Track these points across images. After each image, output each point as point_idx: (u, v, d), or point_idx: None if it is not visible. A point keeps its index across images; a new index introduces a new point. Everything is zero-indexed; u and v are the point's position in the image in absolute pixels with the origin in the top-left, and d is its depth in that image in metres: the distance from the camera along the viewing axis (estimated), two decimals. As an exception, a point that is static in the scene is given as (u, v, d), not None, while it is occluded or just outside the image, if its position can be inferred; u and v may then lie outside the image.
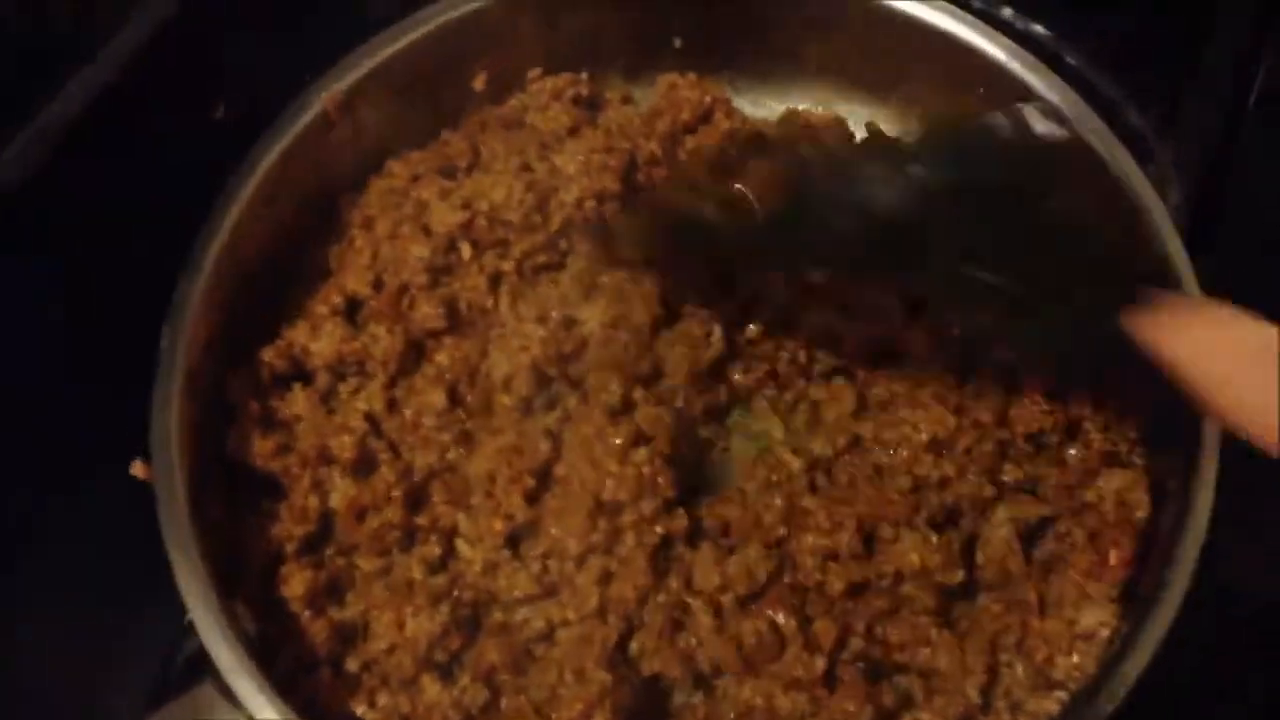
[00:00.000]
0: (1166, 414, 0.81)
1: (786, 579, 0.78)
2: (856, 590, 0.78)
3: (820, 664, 0.76)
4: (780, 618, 0.76)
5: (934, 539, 0.78)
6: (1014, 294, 0.72)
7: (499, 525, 0.78)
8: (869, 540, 0.79)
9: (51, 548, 0.84)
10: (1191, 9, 1.00)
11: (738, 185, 0.75)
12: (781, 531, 0.79)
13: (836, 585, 0.77)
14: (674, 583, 0.78)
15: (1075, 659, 0.77)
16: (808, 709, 0.75)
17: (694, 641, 0.77)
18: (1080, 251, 0.73)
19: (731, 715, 0.76)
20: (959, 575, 0.78)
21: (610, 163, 0.87)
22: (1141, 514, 0.81)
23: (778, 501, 0.80)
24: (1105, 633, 0.78)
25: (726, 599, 0.77)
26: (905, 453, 0.81)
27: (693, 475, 0.82)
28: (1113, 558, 0.80)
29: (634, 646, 0.77)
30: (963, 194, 0.73)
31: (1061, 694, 0.77)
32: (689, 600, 0.77)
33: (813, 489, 0.81)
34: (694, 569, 0.78)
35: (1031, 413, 0.83)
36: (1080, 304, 0.72)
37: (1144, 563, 0.79)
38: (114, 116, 0.87)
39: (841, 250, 0.74)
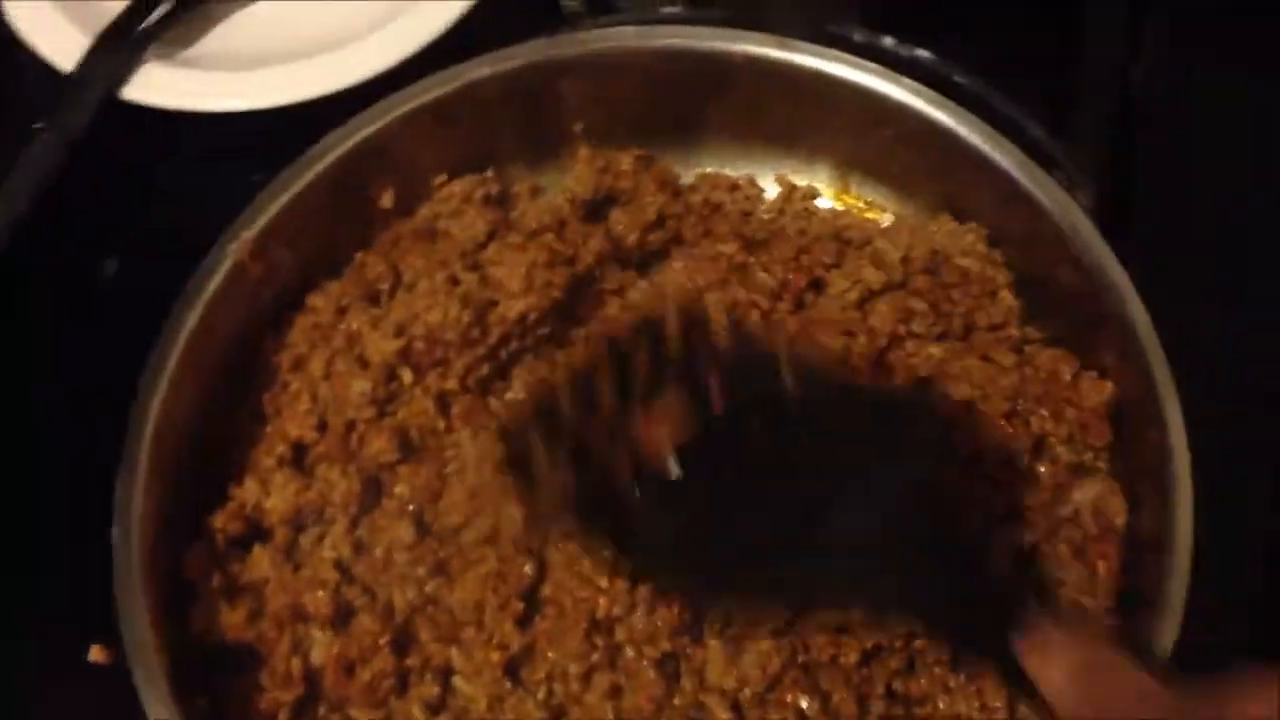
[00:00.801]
0: (1126, 419, 0.83)
1: (800, 659, 0.77)
2: (871, 657, 0.77)
3: None
4: (802, 702, 0.75)
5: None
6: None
7: (495, 656, 0.76)
8: None
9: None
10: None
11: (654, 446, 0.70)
12: (788, 614, 0.77)
13: (851, 657, 0.76)
14: (687, 684, 0.76)
15: None
16: None
17: None
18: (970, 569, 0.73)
19: None
20: None
21: (554, 279, 0.85)
22: (1120, 520, 0.81)
23: None
24: None
25: (744, 695, 0.76)
26: None
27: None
28: (1101, 569, 0.80)
29: None
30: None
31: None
32: (705, 699, 0.76)
33: None
34: (705, 668, 0.76)
35: (999, 436, 0.83)
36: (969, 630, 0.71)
37: (1133, 571, 0.80)
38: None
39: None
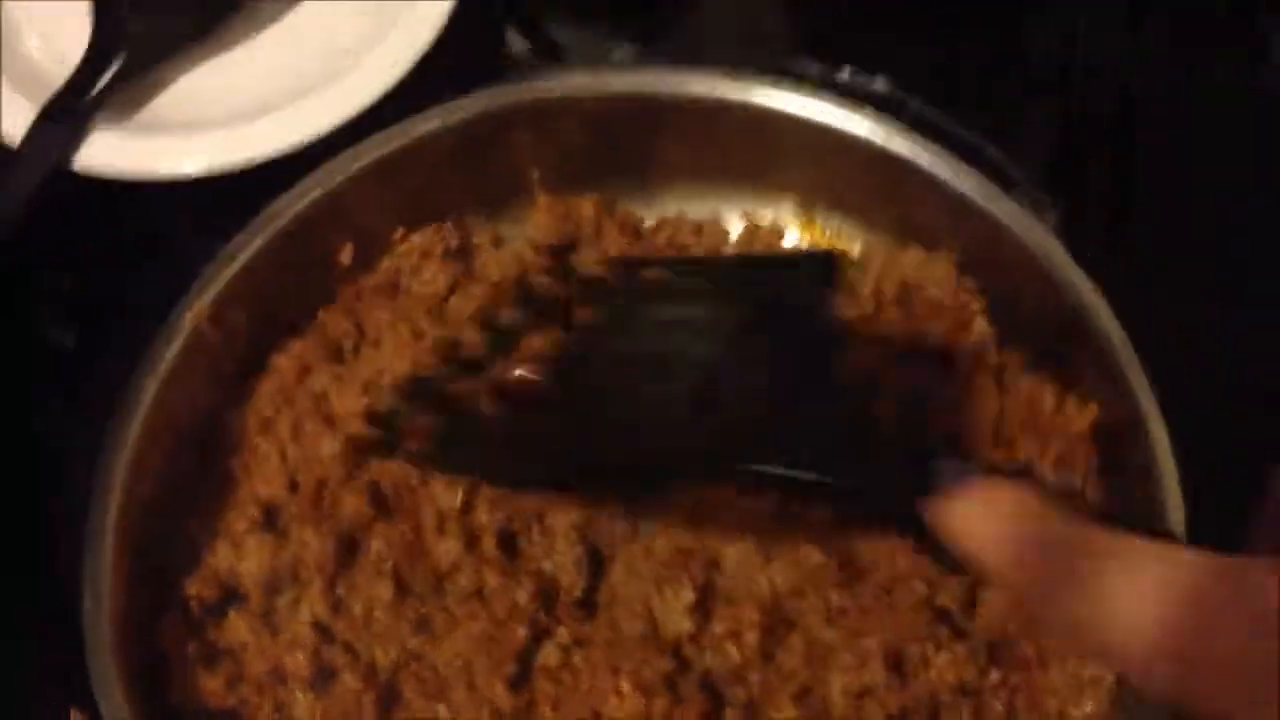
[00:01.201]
0: (1112, 443, 0.83)
1: None
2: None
3: None
4: None
5: (962, 650, 0.76)
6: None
7: (486, 715, 0.74)
8: (898, 664, 0.75)
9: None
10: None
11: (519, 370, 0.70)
12: (806, 677, 0.76)
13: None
14: None
15: (1088, 707, 0.75)
16: None
17: None
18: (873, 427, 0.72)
19: None
20: (993, 677, 0.76)
21: None
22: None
23: (798, 646, 0.76)
24: (1108, 674, 0.76)
25: None
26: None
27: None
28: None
29: None
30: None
31: (1081, 741, 0.75)
32: None
33: (829, 622, 0.77)
34: None
35: (986, 463, 0.82)
36: (878, 490, 0.69)
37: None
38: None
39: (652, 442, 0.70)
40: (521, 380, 0.70)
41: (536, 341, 0.72)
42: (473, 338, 0.78)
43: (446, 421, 0.72)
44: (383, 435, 0.76)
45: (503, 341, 0.73)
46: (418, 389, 0.74)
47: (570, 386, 0.71)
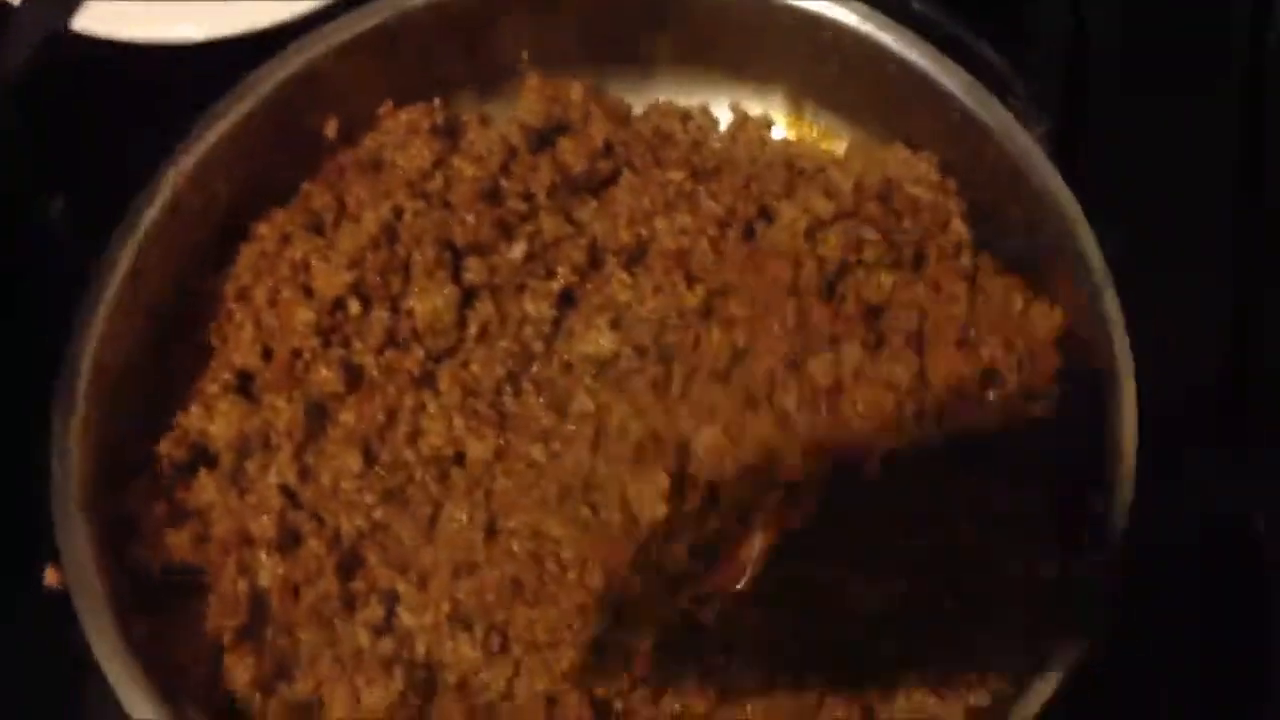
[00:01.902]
0: (1076, 352, 0.83)
1: None
2: None
3: None
4: None
5: None
6: None
7: (446, 605, 0.76)
8: None
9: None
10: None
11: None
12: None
13: None
14: None
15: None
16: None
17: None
18: None
19: None
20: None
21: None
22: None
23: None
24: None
25: None
26: None
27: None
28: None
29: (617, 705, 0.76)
30: None
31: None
32: None
33: None
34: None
35: (947, 364, 0.82)
36: None
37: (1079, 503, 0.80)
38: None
39: None
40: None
41: (739, 551, 0.72)
42: None
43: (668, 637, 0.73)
44: (599, 661, 0.76)
45: (706, 552, 0.73)
46: (628, 615, 0.73)
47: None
